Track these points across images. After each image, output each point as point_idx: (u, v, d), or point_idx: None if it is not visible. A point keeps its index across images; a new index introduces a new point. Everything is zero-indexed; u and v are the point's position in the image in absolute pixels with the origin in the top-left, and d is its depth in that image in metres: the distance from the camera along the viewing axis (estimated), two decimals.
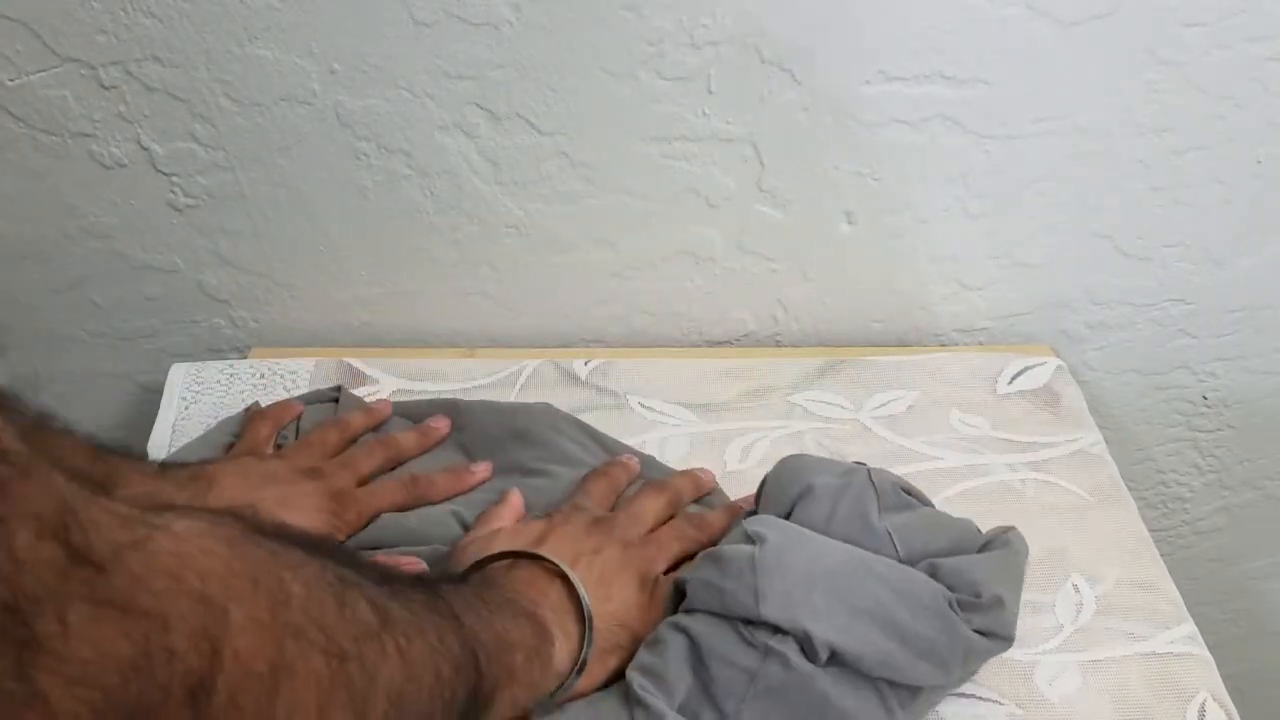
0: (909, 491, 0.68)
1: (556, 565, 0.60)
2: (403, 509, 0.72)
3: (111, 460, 0.64)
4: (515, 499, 0.71)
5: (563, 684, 0.58)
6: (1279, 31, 0.78)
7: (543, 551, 0.61)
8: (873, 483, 0.66)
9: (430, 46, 0.78)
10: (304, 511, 0.68)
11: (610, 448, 0.78)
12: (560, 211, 0.86)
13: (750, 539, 0.62)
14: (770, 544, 0.61)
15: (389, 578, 0.47)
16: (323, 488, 0.70)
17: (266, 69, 0.79)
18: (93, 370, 0.95)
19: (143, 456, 0.68)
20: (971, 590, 0.62)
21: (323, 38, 0.77)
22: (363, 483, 0.73)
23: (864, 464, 0.69)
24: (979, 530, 0.69)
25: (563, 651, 0.58)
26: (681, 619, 0.60)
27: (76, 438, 0.63)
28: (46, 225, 0.86)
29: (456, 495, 0.74)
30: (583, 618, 0.59)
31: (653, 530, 0.68)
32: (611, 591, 0.62)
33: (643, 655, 0.60)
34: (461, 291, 0.90)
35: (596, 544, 0.64)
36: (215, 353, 0.93)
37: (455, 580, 0.58)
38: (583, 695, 0.59)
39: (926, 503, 0.69)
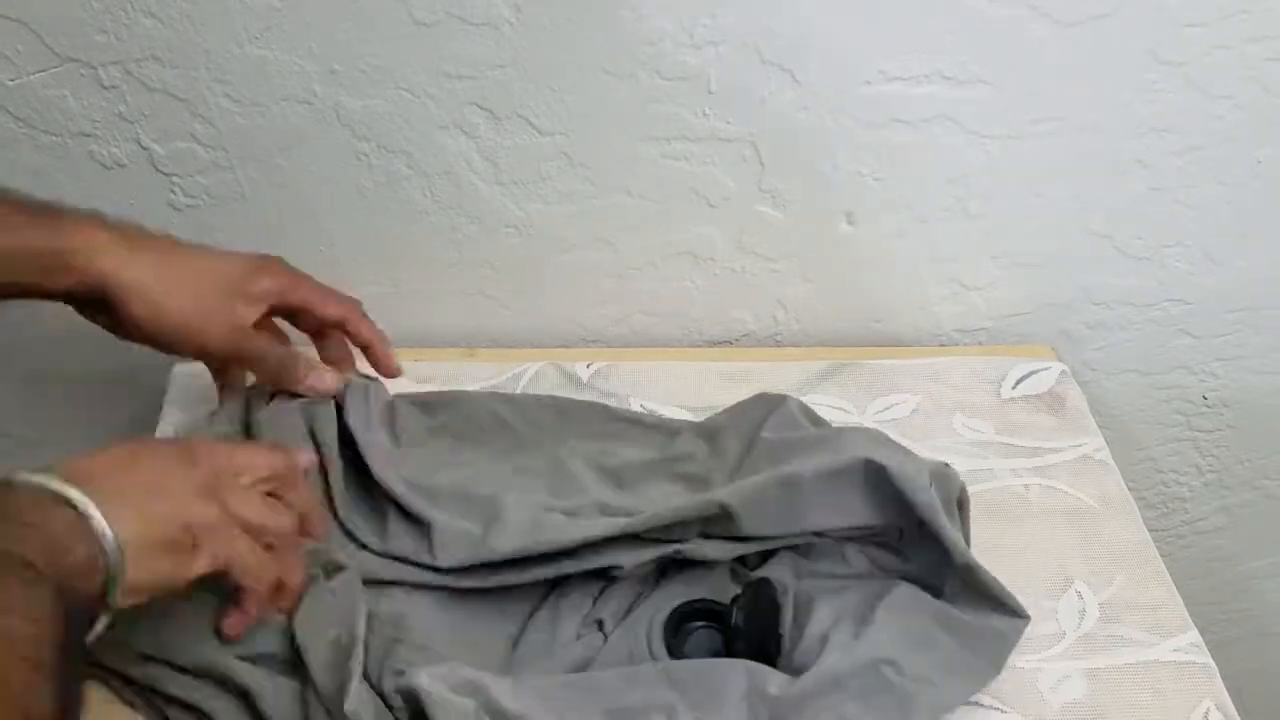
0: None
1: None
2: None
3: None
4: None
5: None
6: (1279, 31, 0.78)
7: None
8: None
9: (430, 46, 0.78)
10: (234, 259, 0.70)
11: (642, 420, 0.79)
12: (560, 211, 0.86)
13: None
14: None
15: None
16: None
17: (266, 69, 0.79)
18: (93, 370, 0.95)
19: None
20: None
21: (323, 38, 0.77)
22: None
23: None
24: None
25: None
26: None
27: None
28: None
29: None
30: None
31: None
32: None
33: None
34: (461, 291, 0.90)
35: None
36: None
37: None
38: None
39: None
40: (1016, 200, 0.86)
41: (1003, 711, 0.63)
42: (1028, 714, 0.63)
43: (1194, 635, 0.68)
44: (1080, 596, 0.70)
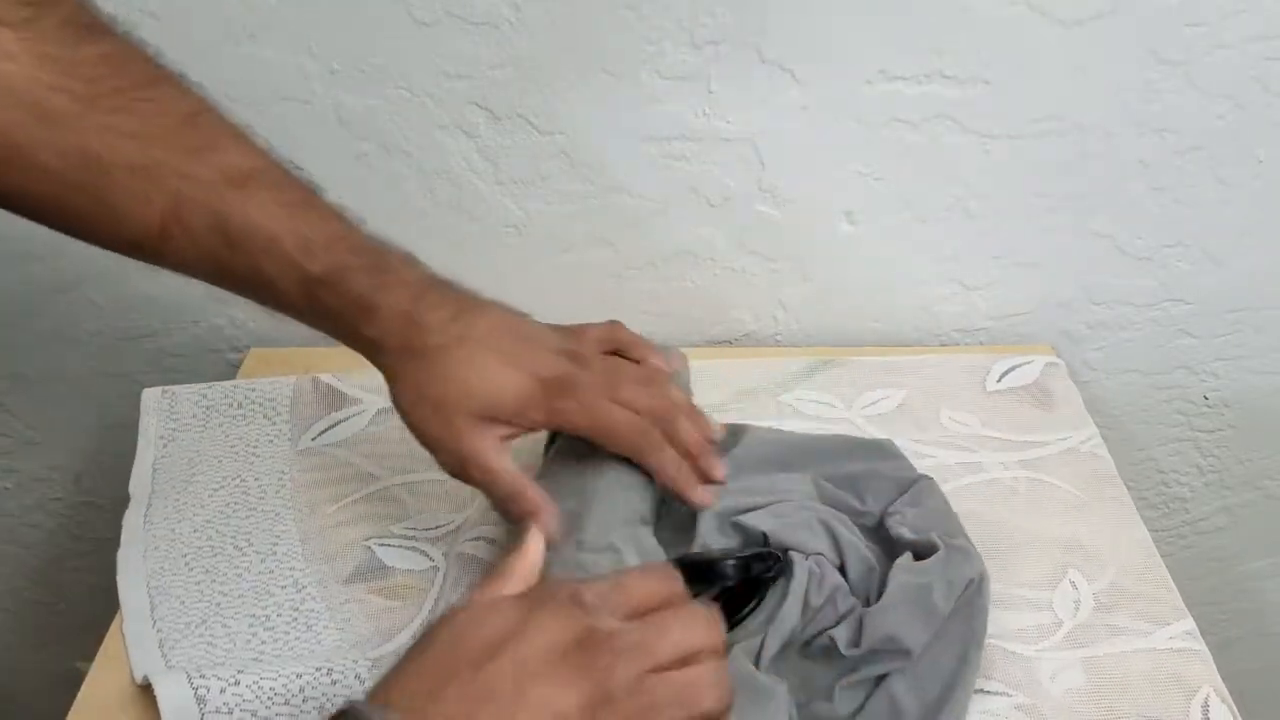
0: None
1: None
2: (625, 448, 0.64)
3: (388, 263, 0.63)
4: (533, 551, 0.53)
5: None
6: (1279, 31, 0.78)
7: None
8: None
9: (430, 46, 0.78)
10: (521, 368, 0.62)
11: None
12: (560, 211, 0.86)
13: None
14: None
15: None
16: (568, 368, 0.63)
17: (266, 69, 0.79)
18: (93, 370, 0.95)
19: (413, 260, 0.65)
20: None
21: (323, 38, 0.78)
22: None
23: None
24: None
25: None
26: None
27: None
28: None
29: (692, 447, 0.65)
30: None
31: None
32: None
33: None
34: None
35: (564, 681, 0.45)
36: (214, 352, 0.93)
37: None
38: None
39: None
40: (1016, 200, 0.86)
41: (1008, 695, 0.63)
42: (1033, 696, 0.64)
43: (1189, 623, 0.68)
44: (1075, 587, 0.70)
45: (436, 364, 0.62)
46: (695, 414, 0.68)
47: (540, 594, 0.49)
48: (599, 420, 0.63)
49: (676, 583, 0.52)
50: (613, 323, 0.70)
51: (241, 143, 0.62)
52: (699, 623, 0.50)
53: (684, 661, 0.48)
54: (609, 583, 0.50)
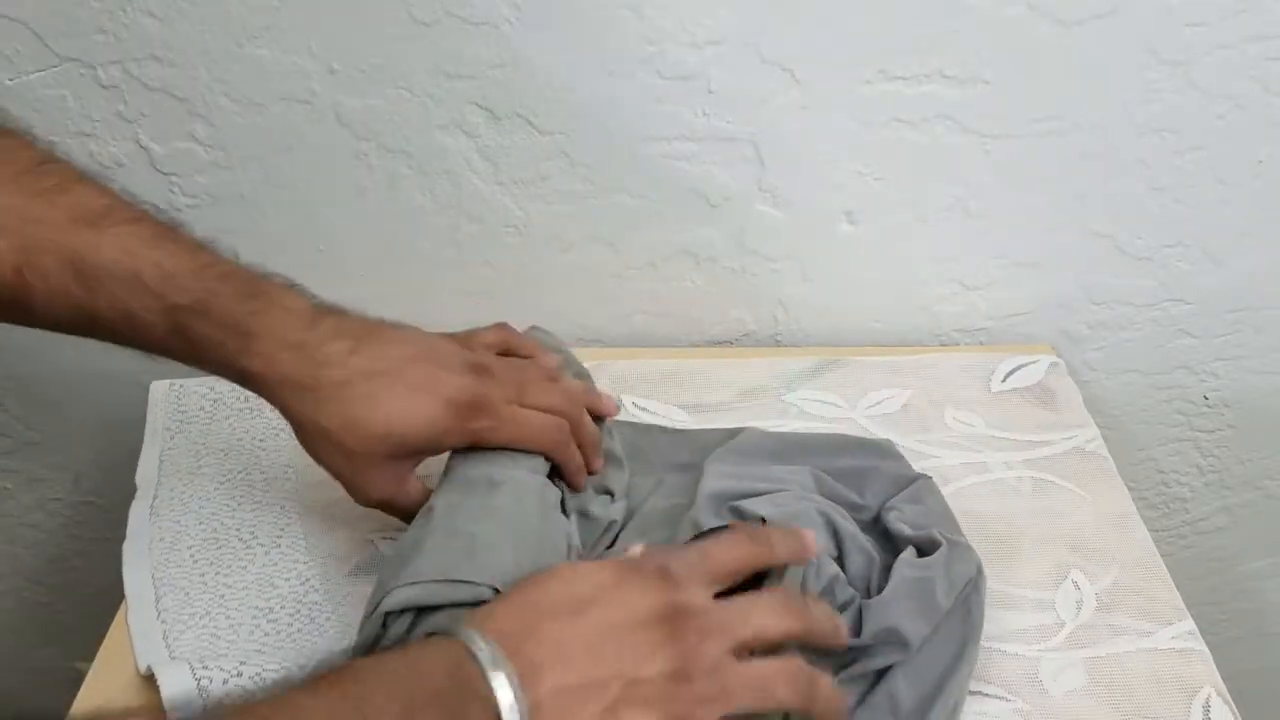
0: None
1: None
2: (544, 449, 0.65)
3: (265, 290, 0.61)
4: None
5: None
6: (1279, 31, 0.78)
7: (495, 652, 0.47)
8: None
9: (430, 46, 0.78)
10: (433, 394, 0.61)
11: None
12: (560, 211, 0.86)
13: None
14: None
15: None
16: (477, 387, 0.62)
17: (266, 69, 0.79)
18: (93, 370, 0.95)
19: (296, 288, 0.63)
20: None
21: (323, 37, 0.77)
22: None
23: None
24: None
25: None
26: None
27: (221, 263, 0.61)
28: None
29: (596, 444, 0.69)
30: None
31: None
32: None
33: None
34: (461, 291, 0.90)
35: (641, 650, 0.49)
36: None
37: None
38: None
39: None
40: (1016, 200, 0.86)
41: (1007, 700, 0.64)
42: (1031, 702, 0.64)
43: (1190, 623, 0.68)
44: (1077, 587, 0.70)
45: (337, 401, 0.60)
46: (593, 397, 0.70)
47: (631, 564, 0.52)
48: (518, 431, 0.64)
49: (761, 545, 0.55)
50: (500, 325, 0.71)
51: (91, 186, 0.60)
52: (780, 607, 0.53)
53: (763, 642, 0.51)
54: (695, 552, 0.53)
